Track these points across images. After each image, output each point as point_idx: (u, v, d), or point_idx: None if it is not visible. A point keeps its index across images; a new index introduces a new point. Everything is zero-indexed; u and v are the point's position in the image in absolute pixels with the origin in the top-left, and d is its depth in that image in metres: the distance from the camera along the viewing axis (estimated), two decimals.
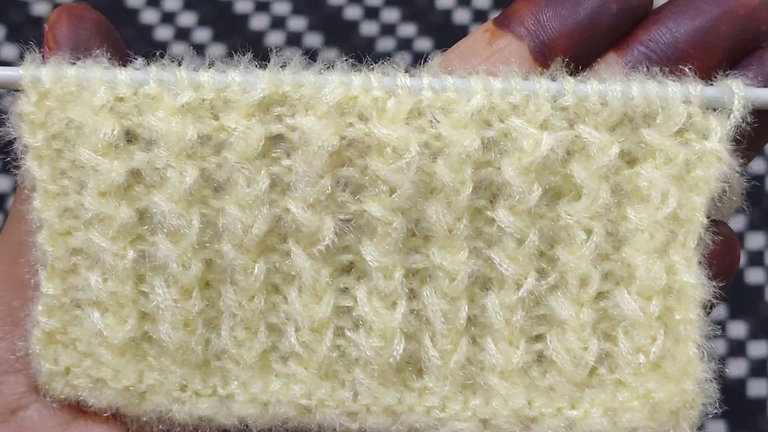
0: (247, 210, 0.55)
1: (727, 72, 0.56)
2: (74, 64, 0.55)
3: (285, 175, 0.56)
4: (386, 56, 1.04)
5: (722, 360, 0.97)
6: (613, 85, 0.55)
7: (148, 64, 0.56)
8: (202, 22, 1.08)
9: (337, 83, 0.55)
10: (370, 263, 0.56)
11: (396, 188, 0.55)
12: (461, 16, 1.09)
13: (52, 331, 0.57)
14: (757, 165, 1.04)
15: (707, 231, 0.55)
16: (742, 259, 1.00)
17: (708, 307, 0.55)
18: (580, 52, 0.57)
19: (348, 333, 0.57)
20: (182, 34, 1.08)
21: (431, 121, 0.55)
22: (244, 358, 0.57)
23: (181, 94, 0.55)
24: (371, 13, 1.09)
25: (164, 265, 0.56)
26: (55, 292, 0.56)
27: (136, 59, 0.56)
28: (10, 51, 1.06)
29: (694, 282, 0.55)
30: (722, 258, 0.57)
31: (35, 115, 0.55)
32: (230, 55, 0.96)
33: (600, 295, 0.57)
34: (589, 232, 0.56)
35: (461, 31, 1.08)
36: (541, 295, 0.57)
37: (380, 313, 0.56)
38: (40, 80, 0.55)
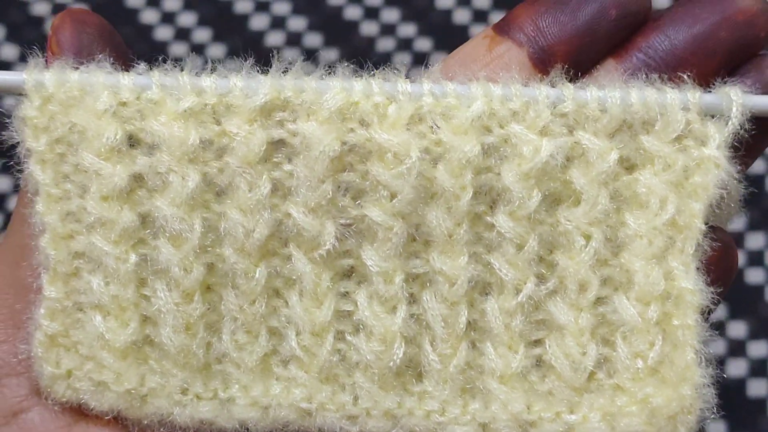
0: (249, 214, 0.56)
1: (726, 79, 0.56)
2: (77, 68, 0.55)
3: (286, 180, 0.56)
4: (386, 56, 1.05)
5: (722, 360, 0.97)
6: (612, 92, 0.55)
7: (151, 68, 0.56)
8: (202, 22, 1.08)
9: (339, 89, 0.55)
10: (370, 268, 0.56)
11: (396, 193, 0.55)
12: (461, 16, 1.09)
13: (54, 334, 0.57)
14: (756, 165, 1.04)
15: (705, 237, 0.56)
16: (742, 259, 1.00)
17: (706, 313, 0.55)
18: (579, 58, 0.57)
19: (348, 337, 0.58)
20: (182, 34, 1.08)
21: (432, 126, 0.55)
22: (245, 361, 0.58)
23: (183, 99, 0.55)
24: (371, 13, 1.09)
25: (166, 268, 0.56)
26: (57, 295, 0.57)
27: (138, 64, 0.56)
28: (10, 51, 1.06)
29: (692, 288, 0.55)
30: (720, 264, 0.57)
31: (38, 119, 0.55)
32: (230, 56, 0.96)
33: (599, 301, 0.57)
34: (588, 237, 0.56)
35: (461, 31, 1.08)
36: (540, 300, 0.57)
37: (380, 318, 0.57)
38: (44, 84, 0.55)
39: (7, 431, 0.57)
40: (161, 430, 0.58)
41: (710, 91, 0.56)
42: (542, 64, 0.57)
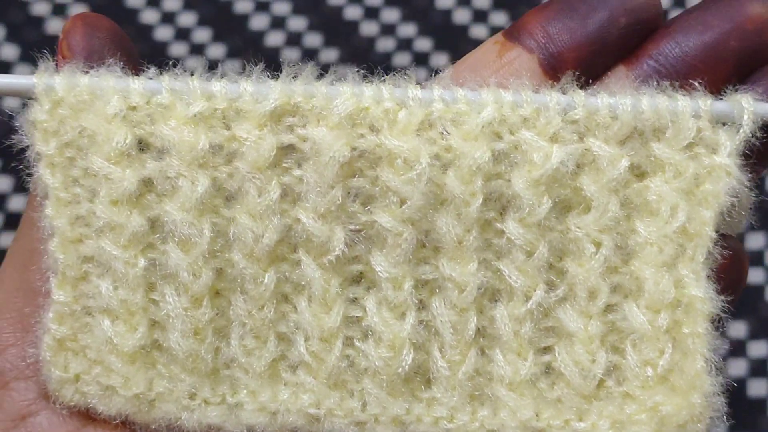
0: (258, 219, 0.56)
1: (737, 86, 0.56)
2: (87, 72, 0.55)
3: (296, 185, 0.56)
4: (386, 56, 1.05)
5: (722, 360, 0.97)
6: (623, 99, 0.55)
7: (161, 73, 0.56)
8: (202, 22, 1.08)
9: (349, 94, 0.55)
10: (379, 274, 0.56)
11: (406, 199, 0.55)
12: (461, 16, 1.09)
13: (63, 338, 0.57)
14: None
15: (716, 245, 0.55)
16: None
17: (716, 321, 0.55)
18: (589, 65, 0.57)
19: (357, 343, 0.57)
20: (182, 34, 1.08)
21: (442, 132, 0.55)
22: (254, 366, 0.58)
23: (193, 104, 0.55)
24: (371, 13, 1.09)
25: (175, 273, 0.56)
26: (65, 299, 0.57)
27: (148, 68, 0.56)
28: (10, 51, 1.06)
29: (702, 296, 0.55)
30: (730, 272, 0.57)
31: (48, 123, 0.55)
32: (230, 56, 0.96)
33: (608, 308, 0.57)
34: (598, 245, 0.56)
35: (461, 31, 1.08)
36: (550, 307, 0.57)
37: (389, 324, 0.57)
38: (54, 89, 0.55)
39: None
40: None
41: (721, 99, 0.56)
42: (553, 70, 0.57)
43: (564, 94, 0.56)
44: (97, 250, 0.56)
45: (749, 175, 0.56)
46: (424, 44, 1.07)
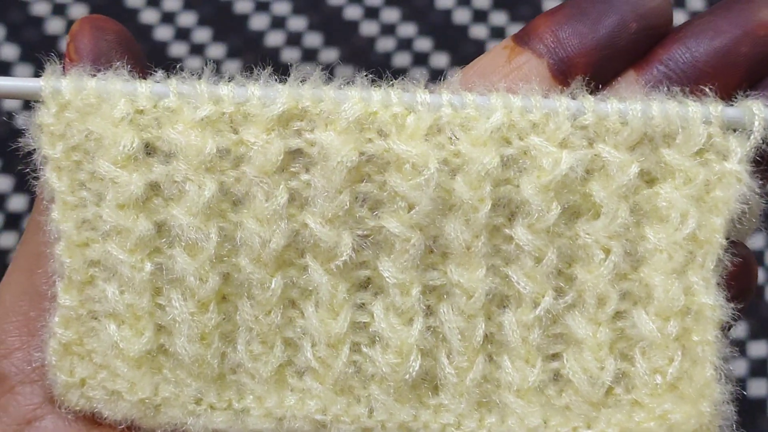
0: (265, 224, 0.55)
1: (747, 92, 0.56)
2: (94, 75, 0.55)
3: (303, 190, 0.56)
4: (386, 56, 1.05)
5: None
6: (633, 105, 0.55)
7: (168, 76, 0.56)
8: (202, 22, 1.08)
9: (357, 99, 0.55)
10: (387, 279, 0.56)
11: (414, 205, 0.55)
12: (461, 16, 1.09)
13: (69, 342, 0.57)
14: None
15: (726, 252, 0.55)
16: None
17: (726, 329, 0.55)
18: (599, 70, 0.57)
19: (364, 349, 0.57)
20: (182, 34, 1.08)
21: (450, 137, 0.55)
22: (260, 372, 0.57)
23: (200, 108, 0.55)
24: (371, 13, 1.09)
25: (181, 278, 0.56)
26: (71, 303, 0.56)
27: (156, 72, 0.56)
28: (10, 51, 1.06)
29: (712, 303, 0.55)
30: (740, 279, 0.57)
31: (55, 126, 0.55)
32: (230, 56, 0.96)
33: (617, 315, 0.57)
34: (607, 251, 0.56)
35: (461, 31, 1.08)
36: (559, 314, 0.57)
37: (397, 330, 0.56)
38: (60, 92, 0.55)
39: None
40: None
41: (732, 105, 0.56)
42: (562, 75, 0.57)
43: (573, 99, 0.55)
44: (104, 254, 0.56)
45: (759, 182, 0.56)
46: (424, 44, 1.07)
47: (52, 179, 0.55)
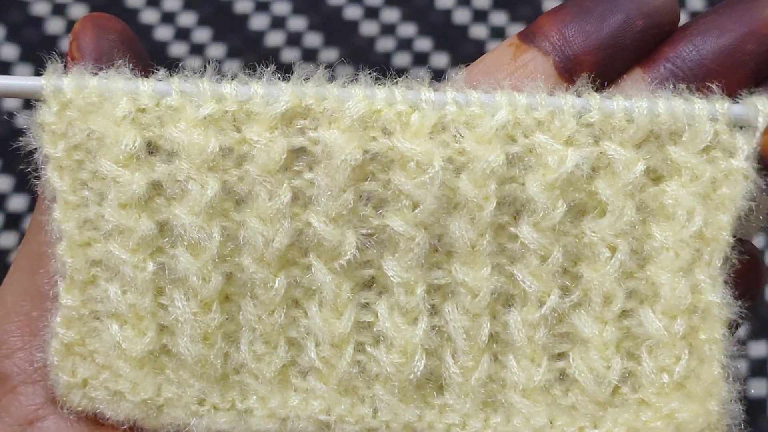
0: (269, 223, 0.55)
1: (753, 90, 0.56)
2: (96, 74, 0.55)
3: (307, 189, 0.55)
4: (386, 56, 1.05)
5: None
6: (639, 102, 0.55)
7: (171, 75, 0.55)
8: (202, 22, 1.08)
9: (361, 96, 0.55)
10: (391, 278, 0.56)
11: (419, 203, 0.55)
12: (461, 16, 1.09)
13: (71, 342, 0.56)
14: None
15: (732, 250, 0.55)
16: None
17: (733, 327, 0.55)
18: (605, 67, 0.57)
19: (368, 348, 0.57)
20: (182, 34, 1.08)
21: (455, 135, 0.55)
22: (263, 372, 0.57)
23: (203, 106, 0.55)
24: (371, 13, 1.09)
25: (184, 277, 0.55)
26: (73, 303, 0.56)
27: (158, 70, 0.55)
28: (10, 51, 1.06)
29: (719, 301, 0.54)
30: (747, 277, 0.57)
31: (56, 125, 0.55)
32: (230, 56, 0.96)
33: (624, 314, 0.56)
34: (613, 249, 0.55)
35: (461, 31, 1.08)
36: (564, 313, 0.56)
37: (401, 329, 0.56)
38: (62, 90, 0.54)
39: None
40: None
41: (738, 102, 0.55)
42: (568, 73, 0.56)
43: (579, 96, 0.55)
44: (106, 253, 0.55)
45: (766, 179, 0.55)
46: (424, 44, 1.07)
47: (54, 178, 0.55)
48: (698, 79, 0.56)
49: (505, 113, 0.55)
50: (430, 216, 0.55)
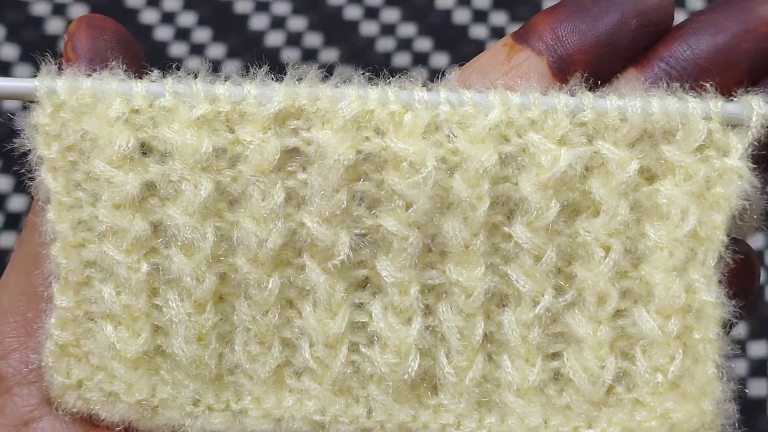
0: (262, 224, 0.55)
1: (748, 89, 0.55)
2: (90, 75, 0.55)
3: (300, 189, 0.55)
4: (386, 56, 1.05)
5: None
6: (632, 101, 0.54)
7: (164, 76, 0.55)
8: (202, 22, 1.08)
9: (354, 97, 0.55)
10: (385, 278, 0.56)
11: (412, 203, 0.54)
12: (461, 16, 1.09)
13: (65, 343, 0.56)
14: None
15: (727, 249, 0.55)
16: None
17: (727, 327, 0.55)
18: (599, 67, 0.56)
19: (362, 349, 0.57)
20: (182, 34, 1.08)
21: (448, 135, 0.55)
22: (258, 373, 0.57)
23: (196, 107, 0.55)
24: (371, 13, 1.09)
25: (178, 278, 0.56)
26: (68, 304, 0.56)
27: (152, 71, 0.55)
28: (10, 51, 1.06)
29: (713, 301, 0.54)
30: (742, 277, 0.56)
31: (50, 126, 0.55)
32: (230, 56, 0.96)
33: (618, 313, 0.56)
34: (607, 249, 0.55)
35: (461, 31, 1.08)
36: (558, 313, 0.56)
37: (395, 329, 0.56)
38: (56, 92, 0.54)
39: None
40: None
41: (732, 101, 0.55)
42: (562, 73, 0.56)
43: (572, 96, 0.55)
44: (100, 254, 0.55)
45: (762, 180, 0.55)
46: (424, 44, 1.07)
47: (48, 180, 0.55)
48: (693, 79, 0.56)
49: (498, 113, 0.54)
50: (424, 216, 0.55)
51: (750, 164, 0.54)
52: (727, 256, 0.55)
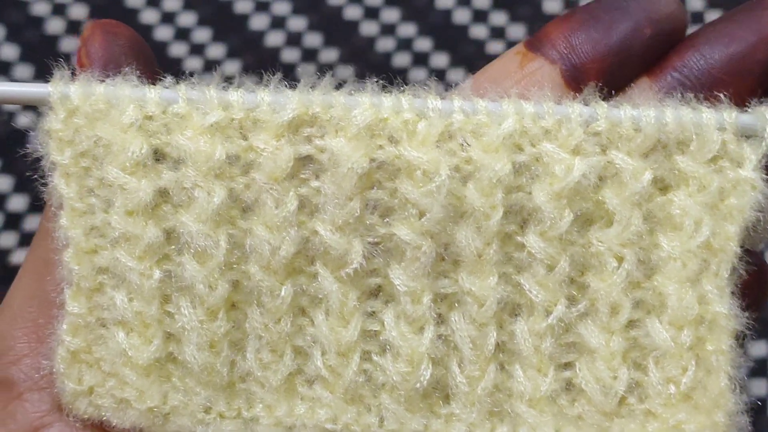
0: (275, 231, 0.55)
1: (762, 99, 0.55)
2: (103, 81, 0.54)
3: (313, 197, 0.55)
4: (386, 56, 1.05)
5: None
6: (646, 111, 0.54)
7: (178, 82, 0.55)
8: (202, 22, 1.08)
9: (368, 105, 0.54)
10: (398, 287, 0.56)
11: (425, 212, 0.54)
12: (461, 16, 1.09)
13: (77, 350, 0.56)
14: None
15: (740, 260, 0.55)
16: None
17: (740, 338, 0.55)
18: (612, 76, 0.56)
19: (375, 357, 0.57)
20: (182, 34, 1.07)
21: (462, 144, 0.55)
22: (270, 380, 0.57)
23: (210, 114, 0.54)
24: (371, 13, 1.09)
25: (190, 285, 0.55)
26: (80, 310, 0.56)
27: (165, 77, 0.55)
28: (10, 51, 1.05)
29: (726, 312, 0.54)
30: (754, 288, 0.56)
31: (63, 132, 0.55)
32: (230, 56, 0.95)
33: (630, 324, 0.56)
34: (620, 259, 0.55)
35: (461, 31, 1.08)
36: (571, 323, 0.56)
37: (407, 338, 0.56)
38: (69, 97, 0.54)
39: None
40: None
41: (747, 111, 0.55)
42: (575, 81, 0.56)
43: (586, 105, 0.55)
44: (112, 261, 0.55)
45: None
46: (424, 44, 1.07)
47: (61, 185, 0.55)
48: (706, 89, 0.56)
49: (512, 122, 0.54)
50: (437, 225, 0.55)
51: (764, 175, 0.54)
52: (740, 268, 0.55)
